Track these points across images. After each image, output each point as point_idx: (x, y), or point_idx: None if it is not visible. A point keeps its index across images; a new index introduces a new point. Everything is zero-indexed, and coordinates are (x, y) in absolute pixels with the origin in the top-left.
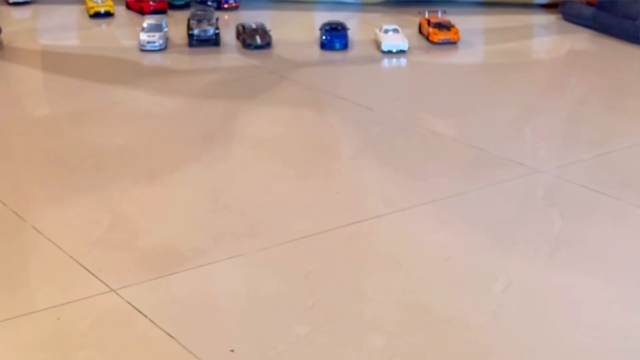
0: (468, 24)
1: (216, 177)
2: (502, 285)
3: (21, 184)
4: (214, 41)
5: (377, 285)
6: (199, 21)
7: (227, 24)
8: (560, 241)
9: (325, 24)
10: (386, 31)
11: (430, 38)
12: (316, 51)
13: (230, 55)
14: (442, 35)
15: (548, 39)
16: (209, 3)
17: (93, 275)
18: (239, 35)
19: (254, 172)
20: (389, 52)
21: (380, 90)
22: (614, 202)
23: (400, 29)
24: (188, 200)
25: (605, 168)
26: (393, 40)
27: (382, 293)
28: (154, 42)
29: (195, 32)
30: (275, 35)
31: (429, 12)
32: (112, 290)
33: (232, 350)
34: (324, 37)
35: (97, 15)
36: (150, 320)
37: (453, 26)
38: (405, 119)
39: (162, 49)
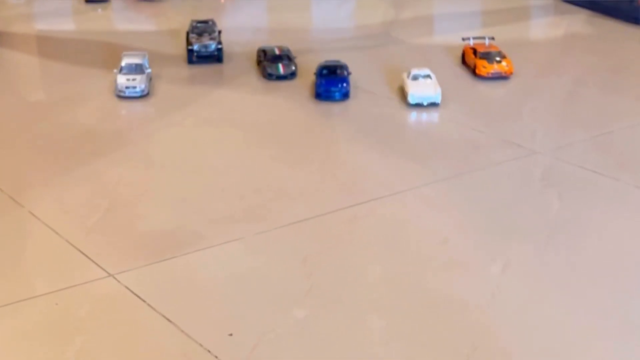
0: (464, 6)
1: (213, 161)
2: (500, 267)
3: (17, 169)
4: (216, 57)
5: (375, 268)
6: (199, 35)
7: (224, 8)
8: (558, 222)
9: (321, 67)
10: (415, 77)
11: (477, 71)
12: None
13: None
14: (491, 69)
15: (544, 20)
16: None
17: (91, 260)
18: (259, 61)
19: (251, 156)
20: (418, 104)
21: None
22: (612, 183)
23: (432, 75)
24: (185, 185)
25: (603, 149)
26: (423, 90)
27: (381, 275)
28: (134, 88)
29: (196, 47)
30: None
31: (474, 39)
32: (110, 275)
33: (231, 334)
34: (319, 85)
35: (92, 0)
36: (148, 304)
37: (504, 57)
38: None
39: (145, 95)
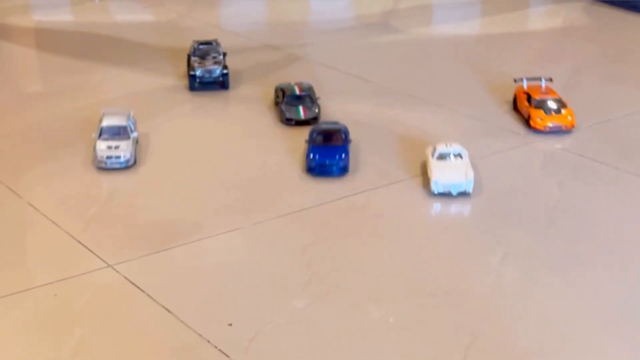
0: None
1: (211, 153)
2: (500, 256)
3: (16, 160)
4: (221, 83)
5: (374, 257)
6: (202, 58)
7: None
8: (557, 211)
9: (314, 131)
10: (442, 156)
11: (532, 124)
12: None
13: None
14: (549, 121)
15: (543, 8)
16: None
17: (90, 251)
18: (277, 102)
19: (248, 147)
20: (443, 193)
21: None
22: (612, 171)
23: (464, 153)
24: (184, 176)
25: (602, 137)
26: (451, 175)
27: (380, 264)
28: (117, 158)
29: (198, 72)
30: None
31: (528, 80)
32: (109, 265)
33: (230, 324)
34: (311, 156)
35: None
36: (147, 295)
37: (565, 105)
38: (401, 88)
39: (131, 165)
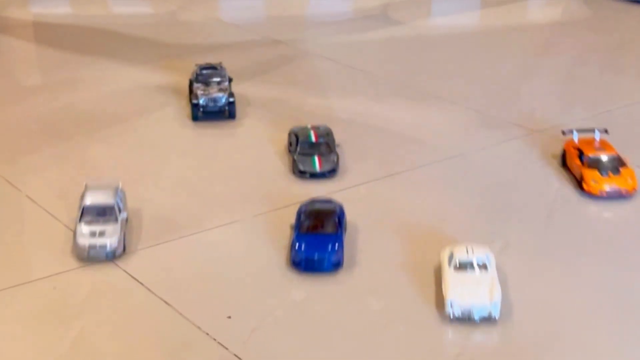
0: None
1: (209, 145)
2: (499, 246)
3: (15, 152)
4: (227, 113)
5: (373, 248)
6: (206, 84)
7: None
8: (557, 202)
9: (302, 212)
10: (461, 266)
11: (585, 187)
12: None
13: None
14: (606, 183)
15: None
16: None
17: None
18: (290, 149)
19: (246, 139)
20: (462, 318)
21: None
22: None
23: (490, 260)
24: (181, 168)
25: (605, 126)
26: (471, 295)
27: (379, 256)
28: (103, 246)
29: (202, 101)
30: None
31: (578, 131)
32: (108, 259)
33: (230, 317)
34: (297, 248)
35: None
36: (146, 288)
37: (624, 164)
38: (404, 80)
39: (119, 255)
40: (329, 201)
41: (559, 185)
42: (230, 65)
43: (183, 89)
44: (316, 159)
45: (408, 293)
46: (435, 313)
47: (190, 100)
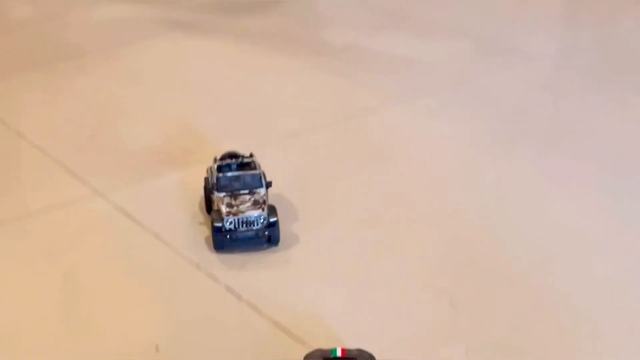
0: None
1: (201, 75)
2: (494, 177)
3: (3, 88)
4: (267, 238)
5: (368, 182)
6: (233, 197)
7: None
8: (555, 131)
9: None
10: None
11: None
12: None
13: None
14: None
15: None
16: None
17: (80, 179)
18: None
19: (241, 71)
20: None
21: None
22: (614, 89)
23: None
24: (174, 101)
25: (607, 53)
26: None
27: (374, 188)
28: None
29: (228, 224)
30: None
31: None
32: (98, 193)
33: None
34: None
35: None
36: (137, 222)
37: None
38: (398, 9)
39: None
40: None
41: None
42: None
43: (176, 19)
44: None
45: None
46: None
47: (212, 220)
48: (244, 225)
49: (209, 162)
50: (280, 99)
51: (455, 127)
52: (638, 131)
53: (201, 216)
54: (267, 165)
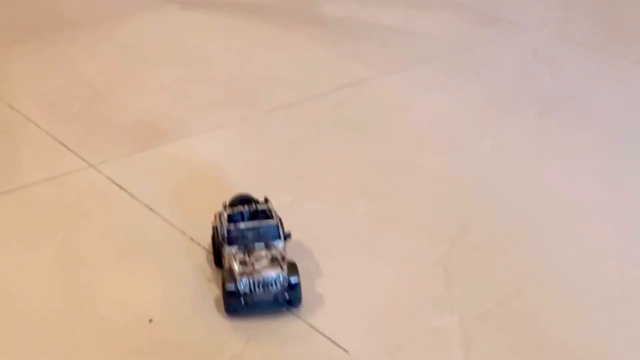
0: None
1: (195, 47)
2: (489, 147)
3: None
4: (286, 301)
5: (362, 152)
6: (247, 252)
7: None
8: (549, 101)
9: None
10: None
11: None
12: None
13: None
14: None
15: None
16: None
17: (71, 151)
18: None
19: (235, 43)
20: None
21: None
22: (611, 59)
23: None
24: (167, 72)
25: (605, 22)
26: None
27: (368, 159)
28: None
29: (242, 285)
30: None
31: None
32: (91, 165)
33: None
34: None
35: None
36: (130, 194)
37: None
38: None
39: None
40: None
41: None
42: None
43: None
44: None
45: None
46: None
47: (223, 279)
48: (261, 287)
49: (202, 134)
50: (274, 71)
51: (451, 97)
52: (636, 101)
53: (200, 185)
54: (260, 134)
